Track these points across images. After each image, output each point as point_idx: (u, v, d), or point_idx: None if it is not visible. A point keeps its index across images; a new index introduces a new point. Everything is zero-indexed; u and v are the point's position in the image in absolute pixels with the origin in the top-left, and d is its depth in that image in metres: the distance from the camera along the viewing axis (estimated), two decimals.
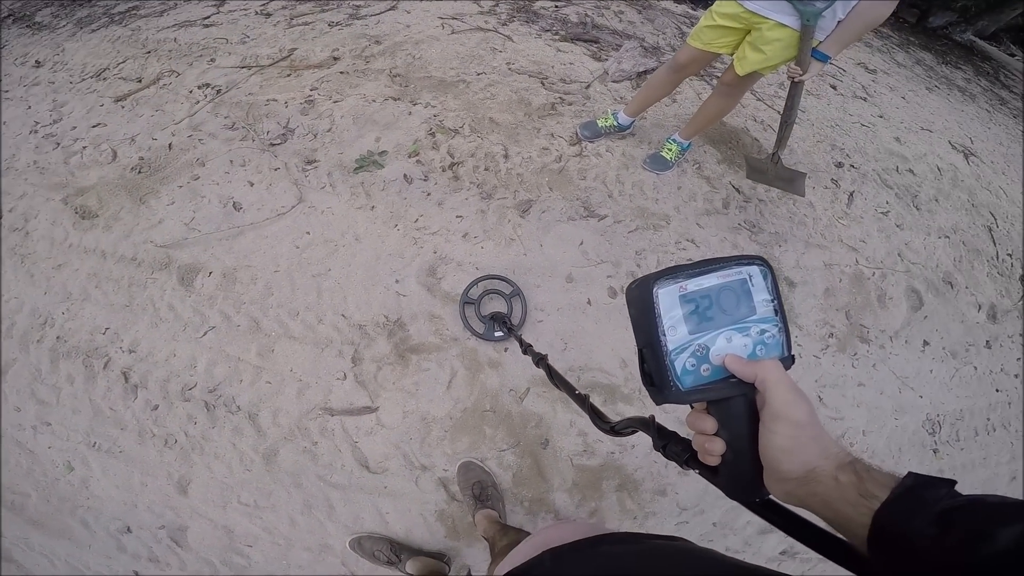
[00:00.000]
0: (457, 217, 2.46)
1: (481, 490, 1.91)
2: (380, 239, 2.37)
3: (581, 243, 2.43)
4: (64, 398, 2.04)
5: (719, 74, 3.39)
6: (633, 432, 0.74)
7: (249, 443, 1.97)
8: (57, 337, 2.14)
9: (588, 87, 3.16)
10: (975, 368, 2.64)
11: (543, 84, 3.11)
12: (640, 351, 0.60)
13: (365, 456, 1.98)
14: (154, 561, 1.87)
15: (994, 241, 3.25)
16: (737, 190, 2.80)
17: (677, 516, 2.04)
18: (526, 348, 1.48)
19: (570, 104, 3.01)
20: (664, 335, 0.57)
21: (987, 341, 2.74)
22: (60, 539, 1.89)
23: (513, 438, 2.05)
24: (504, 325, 2.03)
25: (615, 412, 2.11)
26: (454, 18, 3.62)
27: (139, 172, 2.57)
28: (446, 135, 2.74)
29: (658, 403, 0.59)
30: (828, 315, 2.48)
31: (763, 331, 0.58)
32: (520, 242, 2.40)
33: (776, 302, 0.59)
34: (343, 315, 2.18)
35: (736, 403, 0.57)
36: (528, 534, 1.36)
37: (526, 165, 2.67)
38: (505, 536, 1.62)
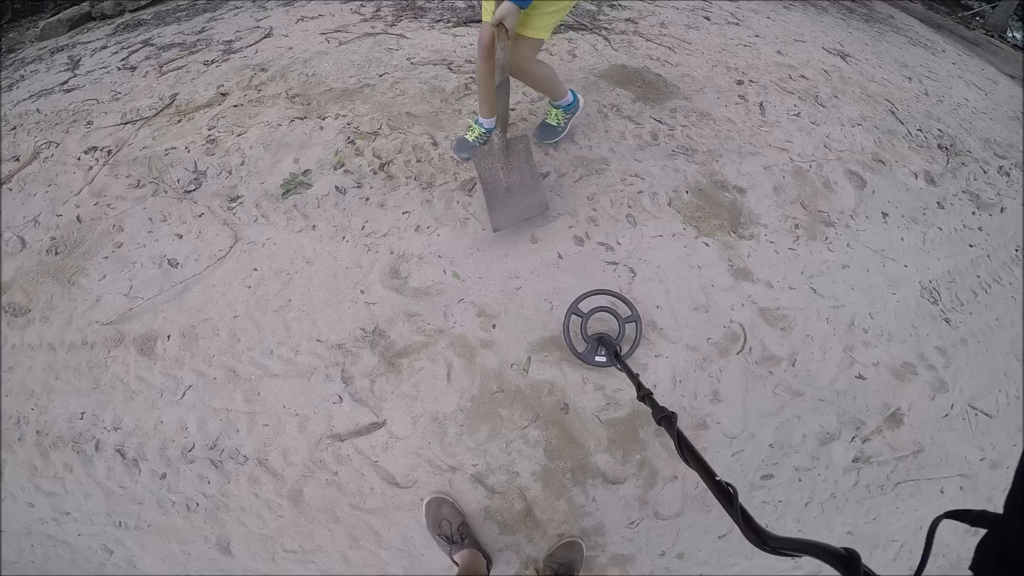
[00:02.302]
0: (404, 213, 2.37)
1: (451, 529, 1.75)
2: (332, 256, 2.25)
3: None
4: (70, 486, 1.89)
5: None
6: (799, 555, 0.62)
7: (270, 489, 1.83)
8: (37, 432, 1.96)
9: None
10: (940, 229, 2.81)
11: (450, 69, 3.06)
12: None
13: (390, 473, 1.86)
14: None
15: (900, 121, 3.49)
16: (660, 122, 2.86)
17: (729, 447, 1.99)
18: (644, 393, 1.24)
19: None
20: None
21: (938, 202, 2.93)
22: None
23: (531, 412, 1.97)
24: (611, 350, 1.81)
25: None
26: (337, 31, 3.52)
27: (56, 253, 2.33)
28: (366, 139, 2.64)
29: None
30: (786, 209, 2.57)
31: None
32: (475, 219, 2.34)
33: None
34: (318, 340, 2.05)
35: None
36: None
37: None
38: None
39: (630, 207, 2.46)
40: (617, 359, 1.69)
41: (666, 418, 1.03)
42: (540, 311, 2.14)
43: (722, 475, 1.08)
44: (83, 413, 1.98)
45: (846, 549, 0.56)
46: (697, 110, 3.00)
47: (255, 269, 2.22)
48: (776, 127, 3.06)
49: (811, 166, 2.84)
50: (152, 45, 3.63)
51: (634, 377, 1.38)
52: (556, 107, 2.55)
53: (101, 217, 2.44)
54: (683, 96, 3.09)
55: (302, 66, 3.17)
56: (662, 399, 1.95)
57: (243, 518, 1.81)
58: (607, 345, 1.86)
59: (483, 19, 2.07)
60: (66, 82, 3.31)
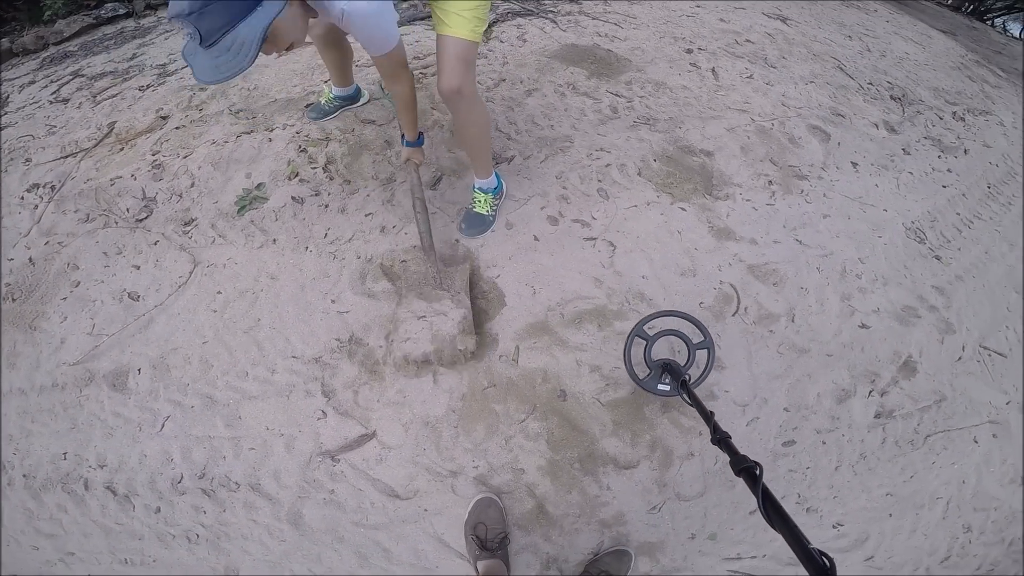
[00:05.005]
0: (367, 215, 2.28)
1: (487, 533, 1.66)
2: (297, 268, 2.14)
3: None
4: (68, 526, 1.79)
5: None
6: None
7: (267, 514, 1.74)
8: (24, 475, 1.87)
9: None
10: (911, 173, 2.83)
11: None
12: None
13: (388, 485, 1.77)
14: None
15: (850, 76, 3.53)
16: (617, 95, 2.82)
17: (742, 415, 1.92)
18: (720, 437, 1.08)
19: (434, 74, 2.89)
20: None
21: (903, 149, 2.96)
22: None
23: (527, 404, 1.88)
24: (678, 379, 1.62)
25: (614, 333, 1.99)
26: None
27: (13, 300, 2.19)
28: (318, 146, 2.53)
29: None
30: (756, 167, 2.55)
31: None
32: (443, 212, 2.27)
33: None
34: (293, 356, 1.95)
35: None
36: None
37: None
38: None
39: (600, 181, 2.41)
40: (685, 390, 1.52)
41: (747, 470, 0.88)
42: (522, 297, 2.07)
43: (741, 448, 1.02)
44: (65, 453, 1.87)
45: None
46: (652, 80, 2.97)
47: (219, 292, 2.10)
48: (732, 90, 3.05)
49: (773, 124, 2.83)
50: (83, 76, 3.46)
51: (708, 416, 1.21)
52: (484, 191, 2.20)
53: (54, 256, 2.30)
54: (636, 68, 3.06)
55: (242, 81, 3.04)
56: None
57: (246, 546, 1.72)
58: (673, 373, 1.66)
59: None
60: None
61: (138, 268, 2.22)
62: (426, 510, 1.74)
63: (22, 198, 2.57)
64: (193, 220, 2.33)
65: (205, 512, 1.75)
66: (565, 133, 2.57)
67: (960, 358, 2.19)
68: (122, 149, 2.72)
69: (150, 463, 1.83)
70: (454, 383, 1.91)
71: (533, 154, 2.46)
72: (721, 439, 1.08)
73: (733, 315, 2.09)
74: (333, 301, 2.06)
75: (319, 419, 1.84)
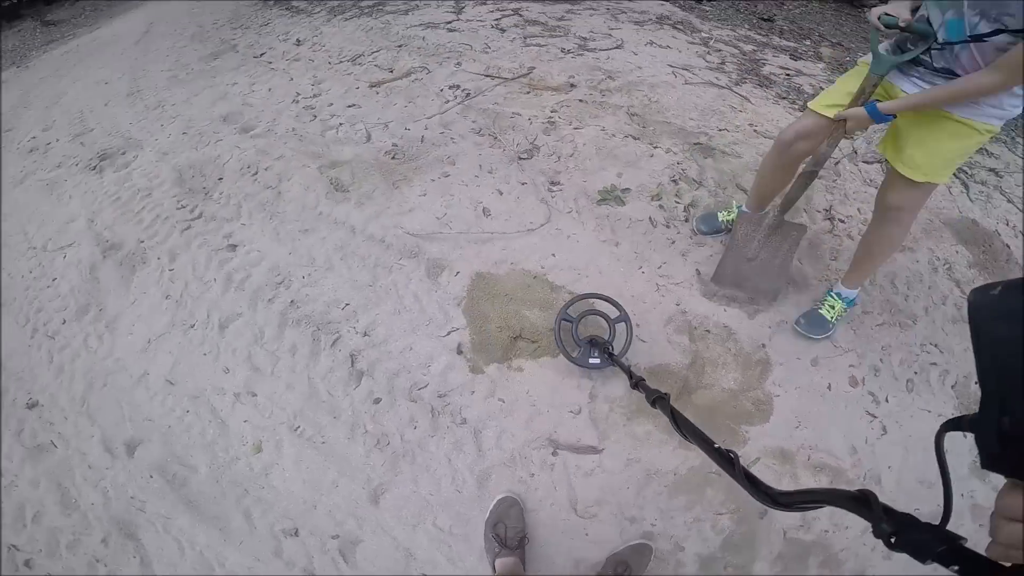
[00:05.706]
0: (697, 270, 2.38)
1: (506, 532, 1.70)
2: (623, 278, 2.33)
3: None
4: (280, 369, 1.98)
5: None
6: (815, 507, 0.61)
7: (467, 461, 1.87)
8: (291, 301, 2.15)
9: (838, 164, 3.04)
10: None
11: None
12: (1001, 398, 0.42)
13: (577, 497, 1.88)
14: (309, 574, 1.70)
15: None
16: None
17: None
18: (637, 381, 1.33)
19: (820, 178, 2.90)
20: None
21: None
22: (209, 527, 1.74)
23: (733, 504, 1.90)
24: (604, 351, 1.88)
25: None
26: (684, 69, 3.61)
27: (393, 157, 2.68)
28: (690, 186, 2.69)
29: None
30: None
31: None
32: (766, 315, 2.30)
33: None
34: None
35: None
36: None
37: None
38: None
39: (916, 374, 2.27)
40: (611, 359, 1.78)
41: (660, 398, 1.08)
42: (785, 424, 2.06)
43: None
44: (346, 305, 2.12)
45: (860, 491, 0.55)
46: None
47: (553, 254, 2.37)
48: None
49: None
50: (521, 16, 4.01)
51: (626, 369, 1.45)
52: (839, 297, 2.21)
53: (441, 145, 2.75)
54: None
55: (648, 89, 3.31)
56: (851, 544, 1.86)
57: (421, 477, 1.82)
58: (599, 347, 1.93)
59: (810, 106, 1.82)
60: (450, 23, 3.79)
61: (501, 194, 2.56)
62: (587, 534, 1.82)
63: (441, 90, 3.09)
64: (559, 184, 2.62)
65: (416, 427, 1.89)
66: (914, 311, 2.43)
67: None
68: (528, 93, 3.13)
69: (409, 358, 2.01)
70: (693, 452, 1.97)
71: (872, 312, 2.38)
72: (639, 381, 1.31)
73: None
74: (637, 325, 2.21)
75: (572, 413, 2.00)
